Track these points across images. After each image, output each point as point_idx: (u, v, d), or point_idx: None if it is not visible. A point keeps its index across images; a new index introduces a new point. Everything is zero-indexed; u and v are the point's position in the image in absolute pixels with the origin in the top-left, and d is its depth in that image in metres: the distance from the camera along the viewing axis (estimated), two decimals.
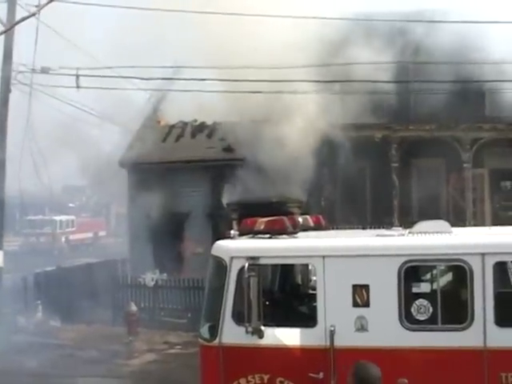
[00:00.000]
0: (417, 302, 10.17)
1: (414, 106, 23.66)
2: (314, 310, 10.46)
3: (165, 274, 23.75)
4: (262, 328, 10.25)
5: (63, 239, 48.51)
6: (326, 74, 21.29)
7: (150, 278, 23.37)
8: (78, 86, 22.10)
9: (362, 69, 20.99)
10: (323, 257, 10.33)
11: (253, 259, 10.32)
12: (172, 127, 26.66)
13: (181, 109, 24.81)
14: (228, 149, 24.96)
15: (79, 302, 23.34)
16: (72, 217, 51.48)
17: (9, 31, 20.17)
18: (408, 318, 10.10)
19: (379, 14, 21.49)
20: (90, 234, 52.26)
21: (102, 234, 54.79)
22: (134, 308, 21.82)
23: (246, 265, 10.26)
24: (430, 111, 22.87)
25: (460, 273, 10.24)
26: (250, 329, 10.20)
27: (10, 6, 23.02)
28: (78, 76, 21.86)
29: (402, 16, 21.41)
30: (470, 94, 22.42)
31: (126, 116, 28.11)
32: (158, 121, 26.99)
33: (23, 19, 12.60)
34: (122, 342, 20.93)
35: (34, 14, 12.30)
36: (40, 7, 11.42)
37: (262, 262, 10.45)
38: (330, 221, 18.71)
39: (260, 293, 10.23)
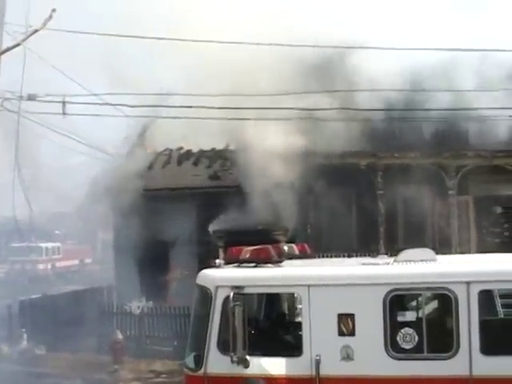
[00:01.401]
0: (402, 330, 10.18)
1: (399, 134, 23.76)
2: (299, 339, 10.45)
3: (151, 302, 23.63)
4: (248, 358, 10.22)
5: (49, 266, 48.26)
6: (313, 101, 21.38)
7: (136, 305, 23.26)
8: (64, 113, 22.10)
9: (346, 96, 21.13)
10: (308, 286, 10.34)
11: (238, 288, 10.31)
12: (158, 154, 26.69)
13: (167, 136, 24.86)
14: (214, 176, 25.01)
15: (64, 329, 23.17)
16: (58, 244, 51.25)
17: None
18: (394, 347, 10.10)
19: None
20: (76, 261, 52.02)
21: (88, 261, 54.54)
22: (119, 336, 21.70)
23: (231, 294, 10.24)
24: (414, 139, 22.99)
25: (445, 301, 10.26)
26: (235, 358, 10.16)
27: None
28: (64, 103, 21.87)
29: None
30: (455, 122, 22.57)
31: (113, 143, 28.14)
32: (144, 148, 26.99)
33: (8, 49, 12.63)
34: (107, 371, 20.78)
35: (18, 45, 12.33)
36: (25, 37, 11.46)
37: (247, 291, 10.44)
38: (316, 248, 18.73)
39: (245, 322, 10.20)
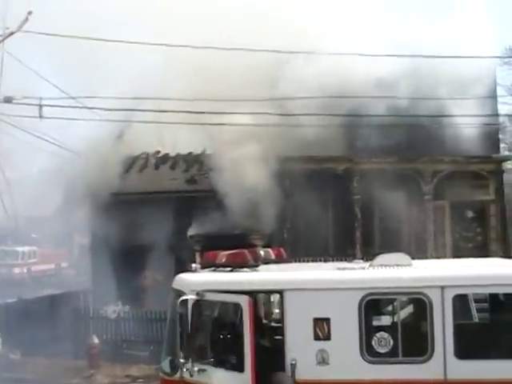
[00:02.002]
0: (377, 334, 10.24)
1: (375, 139, 23.85)
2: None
3: (127, 306, 23.53)
4: (189, 366, 10.16)
5: (25, 270, 47.91)
6: (287, 107, 21.43)
7: (112, 309, 23.15)
8: (40, 116, 21.96)
9: (324, 100, 21.18)
10: (283, 290, 10.36)
11: (198, 294, 10.30)
12: (135, 158, 26.61)
13: (144, 139, 24.78)
14: (191, 180, 24.98)
15: (40, 334, 23.01)
16: (34, 248, 50.85)
17: None
18: (369, 351, 10.15)
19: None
20: (52, 265, 51.66)
21: (64, 265, 54.20)
22: (95, 340, 21.57)
23: (189, 297, 10.23)
24: (391, 144, 23.11)
25: (420, 305, 10.33)
26: (179, 365, 10.15)
27: None
28: (41, 106, 21.74)
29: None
30: (431, 128, 22.70)
31: (90, 146, 28.01)
32: (121, 152, 26.87)
33: None
34: (83, 376, 20.65)
35: None
36: (1, 40, 11.41)
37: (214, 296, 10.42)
38: (293, 253, 18.77)
39: (209, 328, 10.21)
